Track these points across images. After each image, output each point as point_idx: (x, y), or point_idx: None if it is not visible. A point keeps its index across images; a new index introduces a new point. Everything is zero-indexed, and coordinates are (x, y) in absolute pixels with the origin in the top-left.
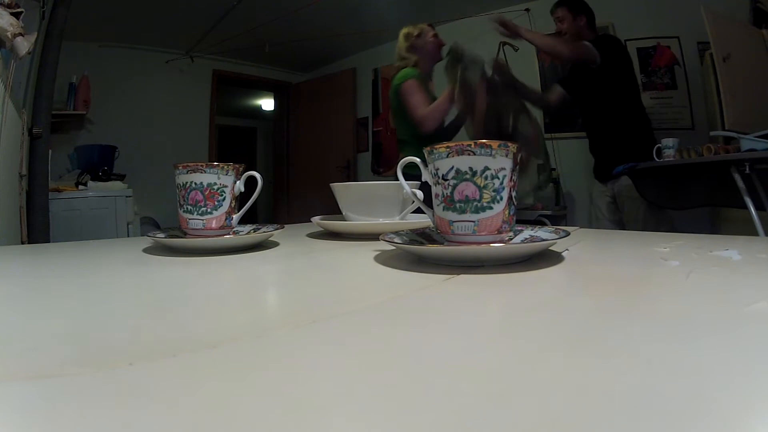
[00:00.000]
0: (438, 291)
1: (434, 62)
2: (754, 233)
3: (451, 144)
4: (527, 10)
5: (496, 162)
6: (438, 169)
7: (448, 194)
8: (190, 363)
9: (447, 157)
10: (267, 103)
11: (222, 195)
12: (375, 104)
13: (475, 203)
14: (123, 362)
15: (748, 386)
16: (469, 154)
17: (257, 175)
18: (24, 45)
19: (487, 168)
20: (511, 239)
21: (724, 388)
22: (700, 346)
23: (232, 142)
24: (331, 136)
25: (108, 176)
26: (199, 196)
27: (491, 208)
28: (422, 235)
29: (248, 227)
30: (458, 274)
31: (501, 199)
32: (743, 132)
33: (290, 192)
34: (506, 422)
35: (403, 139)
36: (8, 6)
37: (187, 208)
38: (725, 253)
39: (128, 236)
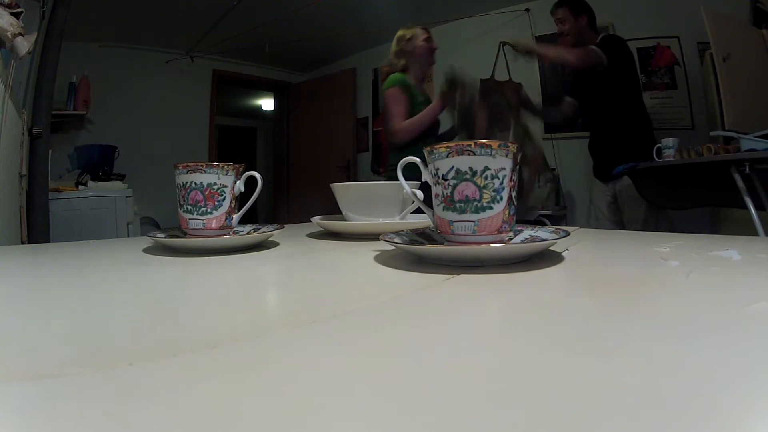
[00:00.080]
0: (438, 291)
1: (427, 66)
2: (754, 233)
3: (451, 144)
4: (527, 10)
5: (496, 162)
6: (438, 169)
7: (448, 194)
8: (190, 363)
9: (447, 157)
10: (267, 103)
11: (222, 195)
12: (375, 104)
13: (475, 203)
14: (123, 362)
15: (748, 386)
16: (469, 154)
17: (257, 175)
18: (24, 45)
19: (487, 168)
20: (511, 239)
21: (724, 388)
22: (700, 346)
23: (232, 142)
24: (331, 136)
25: (108, 176)
26: (199, 196)
27: (491, 208)
28: (422, 235)
29: (248, 227)
30: (458, 274)
31: (501, 199)
32: (743, 132)
33: (290, 192)
34: (506, 422)
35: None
36: (8, 6)
37: (187, 208)
38: (725, 253)
39: (128, 236)
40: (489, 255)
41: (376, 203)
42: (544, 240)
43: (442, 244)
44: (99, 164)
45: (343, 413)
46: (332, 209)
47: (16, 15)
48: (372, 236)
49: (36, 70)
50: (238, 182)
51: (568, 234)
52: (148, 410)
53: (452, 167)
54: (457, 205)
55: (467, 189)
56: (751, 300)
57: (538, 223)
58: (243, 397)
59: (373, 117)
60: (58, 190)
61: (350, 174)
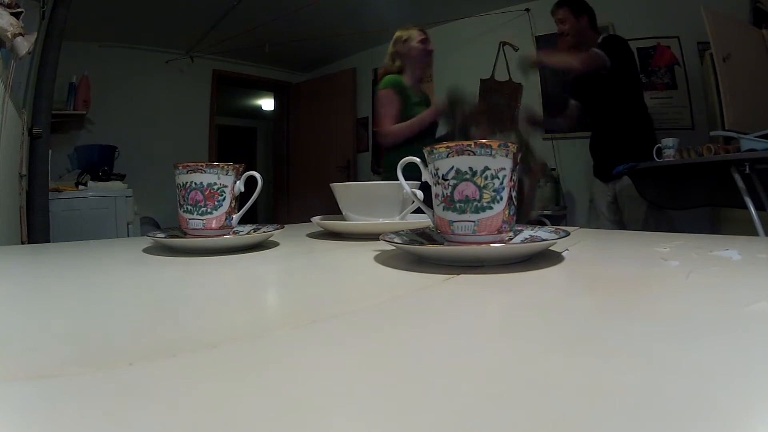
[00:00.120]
0: (438, 291)
1: (422, 67)
2: (754, 233)
3: (451, 144)
4: (527, 10)
5: (496, 162)
6: (438, 169)
7: (448, 194)
8: (190, 363)
9: (447, 157)
10: (267, 103)
11: (222, 195)
12: (375, 104)
13: (475, 203)
14: (123, 362)
15: (748, 386)
16: (469, 154)
17: (257, 175)
18: (24, 45)
19: (487, 168)
20: (511, 239)
21: (724, 388)
22: (700, 346)
23: (232, 142)
24: (331, 136)
25: (108, 176)
26: (199, 196)
27: (491, 208)
28: (422, 235)
29: (248, 227)
30: (458, 274)
31: (501, 199)
32: (743, 132)
33: (290, 192)
34: (506, 422)
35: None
36: (8, 6)
37: (187, 208)
38: (725, 253)
39: (128, 236)
40: (489, 255)
41: (376, 203)
42: (544, 240)
43: (442, 244)
44: (99, 164)
45: (343, 413)
46: (332, 209)
47: (16, 15)
48: (372, 236)
49: (36, 70)
50: (238, 182)
51: (568, 234)
52: (148, 410)
53: (452, 167)
54: (457, 205)
55: (467, 189)
56: (751, 300)
57: (538, 223)
58: (243, 397)
59: (373, 117)
60: (58, 190)
61: (350, 174)
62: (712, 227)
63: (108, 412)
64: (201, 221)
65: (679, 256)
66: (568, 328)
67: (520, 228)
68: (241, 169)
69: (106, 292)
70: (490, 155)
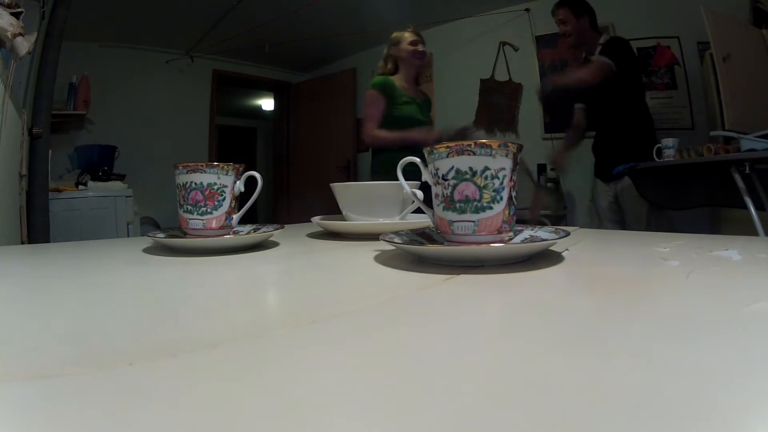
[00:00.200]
0: (438, 291)
1: (416, 69)
2: (754, 233)
3: (451, 144)
4: (527, 10)
5: (496, 162)
6: (438, 169)
7: (448, 194)
8: (190, 363)
9: (447, 157)
10: (267, 103)
11: (222, 195)
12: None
13: (475, 203)
14: (123, 362)
15: (748, 386)
16: (469, 154)
17: (257, 175)
18: (24, 45)
19: (487, 168)
20: (511, 239)
21: (724, 388)
22: (700, 346)
23: (232, 142)
24: (331, 136)
25: (108, 176)
26: (199, 196)
27: (491, 208)
28: (422, 235)
29: (248, 227)
30: (458, 274)
31: (501, 199)
32: (743, 132)
33: (290, 192)
34: (506, 422)
35: None
36: (8, 6)
37: (187, 208)
38: (725, 253)
39: (128, 236)
40: (489, 255)
41: (376, 203)
42: (544, 240)
43: (442, 244)
44: (99, 164)
45: (343, 413)
46: (332, 209)
47: (16, 15)
48: (372, 236)
49: (36, 70)
50: (238, 182)
51: (568, 234)
52: (148, 410)
53: (452, 167)
54: (457, 205)
55: (467, 189)
56: (751, 300)
57: (538, 223)
58: (243, 397)
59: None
60: (58, 190)
61: (350, 174)
62: (712, 227)
63: (108, 412)
64: (201, 221)
65: (679, 256)
66: (568, 328)
67: (520, 228)
68: (241, 169)
69: (106, 292)
70: (490, 155)
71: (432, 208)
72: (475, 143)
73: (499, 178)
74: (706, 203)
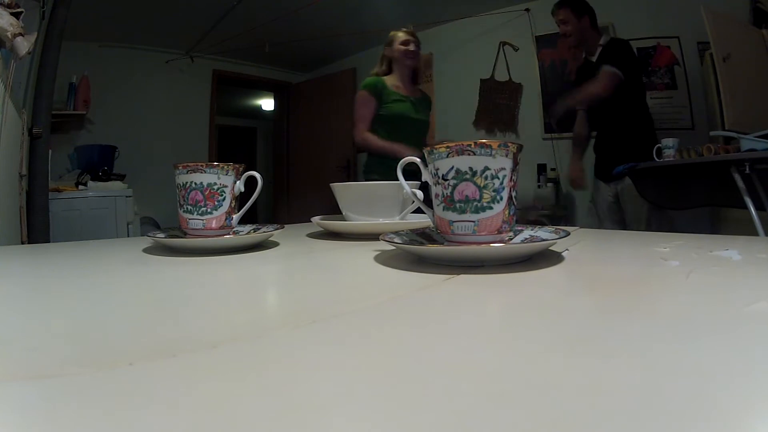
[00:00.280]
0: (438, 291)
1: (408, 68)
2: (754, 233)
3: (451, 144)
4: (527, 10)
5: (496, 162)
6: (438, 169)
7: (448, 194)
8: (190, 363)
9: (447, 157)
10: (267, 103)
11: (222, 195)
12: None
13: (475, 203)
14: (123, 362)
15: (748, 386)
16: (469, 154)
17: (257, 175)
18: (24, 45)
19: (487, 168)
20: (511, 239)
21: (724, 388)
22: (700, 346)
23: (232, 142)
24: (331, 136)
25: (108, 176)
26: (199, 196)
27: (491, 208)
28: (422, 235)
29: (248, 227)
30: (458, 274)
31: (501, 199)
32: (743, 132)
33: (290, 192)
34: (506, 422)
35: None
36: (8, 6)
37: (187, 208)
38: (725, 253)
39: (128, 236)
40: (489, 255)
41: (376, 203)
42: (544, 240)
43: (442, 244)
44: (99, 164)
45: (343, 413)
46: (332, 209)
47: (16, 15)
48: (372, 236)
49: (36, 70)
50: (238, 182)
51: (568, 234)
52: (148, 410)
53: (452, 167)
54: (457, 205)
55: (467, 189)
56: (751, 300)
57: (538, 223)
58: (243, 397)
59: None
60: (58, 190)
61: (350, 174)
62: (712, 227)
63: (108, 412)
64: (201, 221)
65: (679, 256)
66: (568, 328)
67: (520, 228)
68: (241, 169)
69: (106, 292)
70: (490, 155)
71: (432, 208)
72: (475, 143)
73: (499, 178)
74: (706, 203)
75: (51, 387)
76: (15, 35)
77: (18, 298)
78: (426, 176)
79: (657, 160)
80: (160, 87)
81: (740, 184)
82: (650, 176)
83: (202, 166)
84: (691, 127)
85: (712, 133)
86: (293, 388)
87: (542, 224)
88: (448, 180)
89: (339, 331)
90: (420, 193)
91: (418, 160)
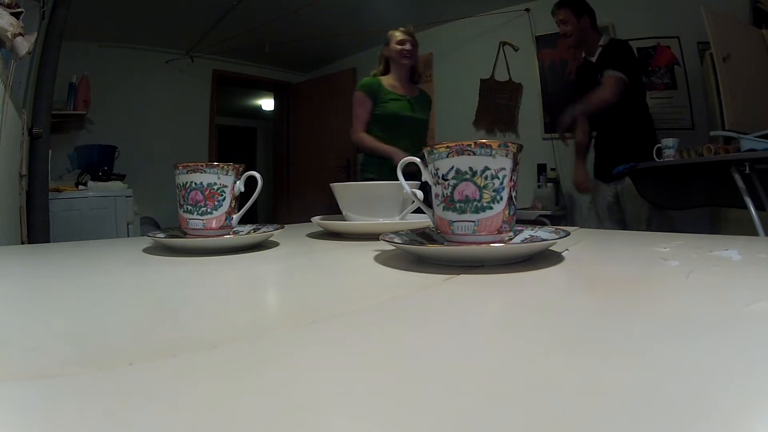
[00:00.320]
0: (438, 291)
1: (405, 67)
2: (754, 233)
3: (451, 144)
4: (527, 10)
5: (496, 162)
6: (438, 169)
7: (448, 194)
8: (190, 363)
9: (447, 157)
10: (267, 103)
11: (222, 195)
12: None
13: (475, 203)
14: (123, 362)
15: (748, 386)
16: (469, 154)
17: (257, 175)
18: (24, 45)
19: (487, 168)
20: (511, 239)
21: (724, 388)
22: (700, 346)
23: (232, 142)
24: (331, 136)
25: (108, 176)
26: (199, 196)
27: (491, 208)
28: (422, 235)
29: (248, 227)
30: (458, 274)
31: (501, 199)
32: (743, 132)
33: (290, 192)
34: (506, 422)
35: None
36: (8, 6)
37: (187, 208)
38: (725, 253)
39: (128, 236)
40: (489, 255)
41: (376, 203)
42: (544, 240)
43: (442, 244)
44: (99, 164)
45: (343, 413)
46: (332, 209)
47: (16, 15)
48: (372, 236)
49: (36, 70)
50: (238, 182)
51: (568, 234)
52: (148, 410)
53: (452, 167)
54: (457, 205)
55: (467, 189)
56: (751, 300)
57: (538, 223)
58: (243, 397)
59: None
60: (58, 190)
61: (350, 174)
62: (712, 227)
63: (108, 412)
64: (201, 221)
65: (679, 256)
66: (568, 328)
67: (520, 228)
68: (241, 169)
69: (106, 292)
70: (490, 155)
71: (432, 208)
72: (475, 143)
73: (499, 178)
74: (706, 203)
75: (51, 387)
76: (15, 35)
77: (18, 298)
78: (426, 176)
79: (657, 160)
80: (160, 87)
81: (740, 184)
82: (650, 176)
83: (202, 166)
84: (691, 127)
85: (712, 133)
86: (293, 388)
87: (542, 224)
88: (448, 180)
89: (339, 331)
90: (420, 193)
91: (418, 160)
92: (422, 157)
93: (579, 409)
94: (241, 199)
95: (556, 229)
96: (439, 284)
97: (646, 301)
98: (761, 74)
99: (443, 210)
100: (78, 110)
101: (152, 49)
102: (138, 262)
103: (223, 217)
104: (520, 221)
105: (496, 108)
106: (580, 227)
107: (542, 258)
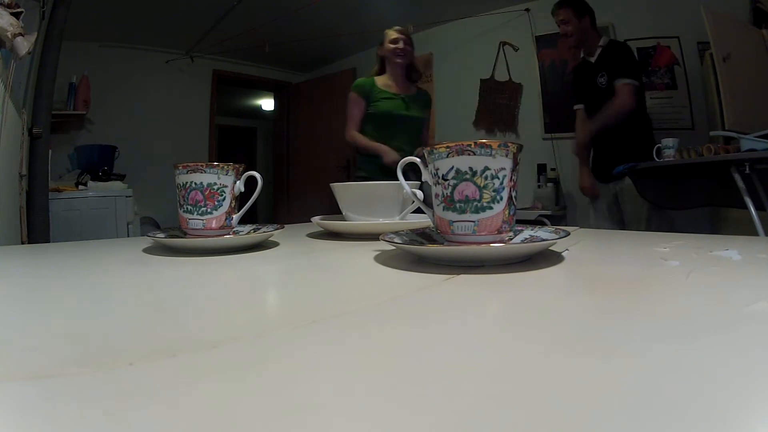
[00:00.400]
0: (438, 291)
1: (400, 66)
2: (754, 233)
3: (451, 144)
4: (527, 10)
5: (496, 162)
6: (438, 169)
7: (448, 194)
8: (190, 363)
9: (447, 157)
10: (267, 103)
11: (222, 195)
12: None
13: (475, 203)
14: (123, 362)
15: (748, 386)
16: (469, 154)
17: (257, 175)
18: (24, 45)
19: (487, 168)
20: (511, 239)
21: (724, 388)
22: (700, 346)
23: (232, 142)
24: (331, 136)
25: (108, 176)
26: (199, 196)
27: (491, 208)
28: (422, 235)
29: (248, 227)
30: (458, 274)
31: (501, 199)
32: (743, 132)
33: (290, 192)
34: (506, 422)
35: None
36: (8, 6)
37: (187, 208)
38: (725, 253)
39: (128, 236)
40: (489, 255)
41: (376, 203)
42: (544, 240)
43: (442, 244)
44: (99, 164)
45: (343, 413)
46: (332, 209)
47: (16, 15)
48: (372, 236)
49: (36, 70)
50: (238, 182)
51: (568, 234)
52: (148, 410)
53: (452, 167)
54: (457, 205)
55: (467, 189)
56: (751, 300)
57: (538, 223)
58: (243, 397)
59: None
60: (58, 190)
61: (350, 174)
62: (712, 227)
63: (108, 412)
64: (201, 221)
65: (679, 256)
66: (568, 328)
67: (520, 228)
68: (241, 169)
69: (106, 292)
70: (490, 155)
71: (432, 208)
72: (475, 143)
73: (499, 178)
74: (706, 203)
75: (51, 387)
76: (15, 35)
77: (18, 298)
78: (426, 176)
79: (657, 160)
80: (160, 87)
81: (740, 184)
82: (650, 176)
83: (202, 166)
84: (691, 127)
85: (712, 133)
86: (293, 388)
87: (542, 224)
88: (448, 180)
89: (339, 331)
90: (420, 193)
91: (418, 160)
92: (422, 157)
93: (579, 409)
94: (241, 199)
95: (556, 229)
96: (439, 284)
97: (646, 301)
98: (761, 74)
99: (443, 210)
100: (78, 110)
101: (152, 49)
102: (138, 262)
103: (223, 217)
104: (520, 221)
105: (496, 108)
106: (580, 227)
107: (542, 258)
